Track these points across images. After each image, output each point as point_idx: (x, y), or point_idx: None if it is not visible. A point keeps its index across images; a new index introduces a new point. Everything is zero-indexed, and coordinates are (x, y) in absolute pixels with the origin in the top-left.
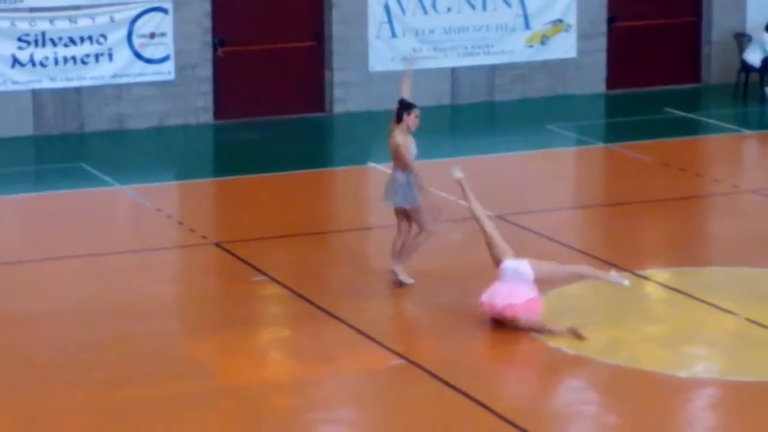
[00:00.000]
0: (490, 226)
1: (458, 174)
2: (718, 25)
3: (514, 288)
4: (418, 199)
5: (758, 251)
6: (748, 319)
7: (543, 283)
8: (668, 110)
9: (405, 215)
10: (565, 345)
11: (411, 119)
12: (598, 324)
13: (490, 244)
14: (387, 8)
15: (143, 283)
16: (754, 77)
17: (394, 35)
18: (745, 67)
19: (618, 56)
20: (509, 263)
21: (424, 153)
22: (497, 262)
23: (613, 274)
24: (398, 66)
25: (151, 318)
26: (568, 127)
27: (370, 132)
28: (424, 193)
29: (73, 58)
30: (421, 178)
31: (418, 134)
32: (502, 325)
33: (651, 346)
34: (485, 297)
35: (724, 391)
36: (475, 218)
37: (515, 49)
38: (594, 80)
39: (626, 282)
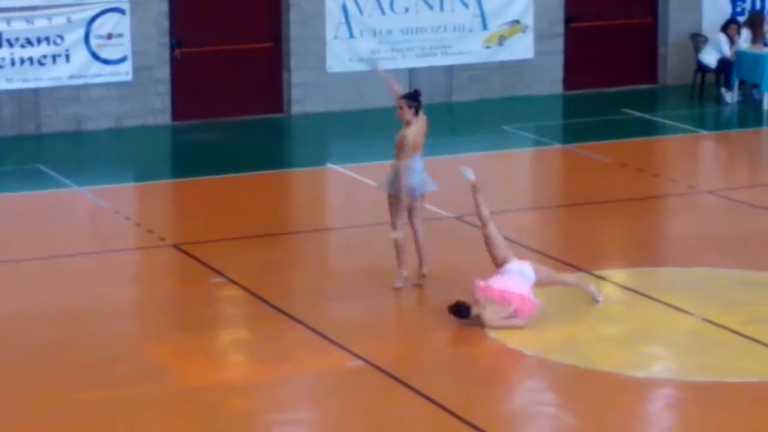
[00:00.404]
0: (494, 229)
1: (470, 176)
2: (674, 26)
3: (515, 282)
4: (412, 191)
5: (715, 251)
6: (704, 319)
7: (538, 286)
8: (625, 111)
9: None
10: (523, 346)
11: (410, 111)
12: (555, 324)
13: (491, 246)
14: (345, 9)
15: (101, 285)
16: (710, 78)
17: (351, 36)
18: (702, 68)
19: (575, 57)
20: (515, 264)
21: (380, 155)
22: (500, 262)
23: (593, 288)
24: (356, 66)
25: (108, 320)
26: (526, 127)
27: (329, 133)
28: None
29: (30, 59)
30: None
31: (373, 134)
32: (461, 326)
33: (608, 347)
34: (481, 281)
35: (682, 391)
36: (479, 219)
37: (473, 50)
38: (551, 81)
39: (600, 299)
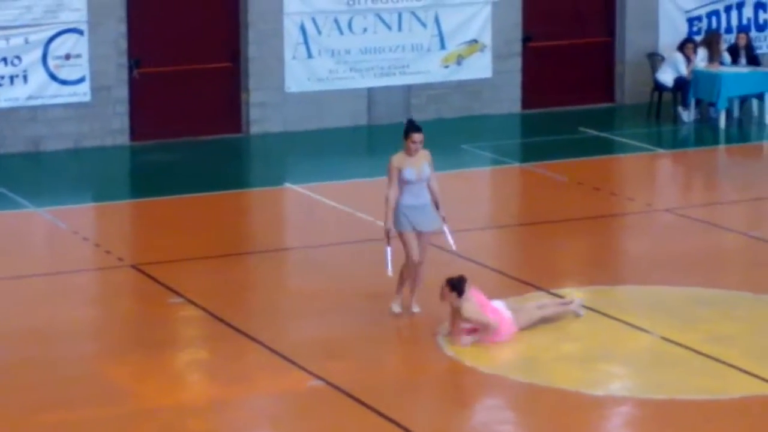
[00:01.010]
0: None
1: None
2: (631, 45)
3: (502, 308)
4: (397, 227)
5: (672, 269)
6: (662, 337)
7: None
8: (583, 130)
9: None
10: (482, 364)
11: (407, 143)
12: (513, 343)
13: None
14: (303, 29)
15: (59, 306)
16: (667, 97)
17: (310, 56)
18: (658, 87)
19: (533, 76)
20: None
21: (339, 174)
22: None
23: (574, 305)
24: (315, 86)
25: (66, 341)
26: (484, 147)
27: (287, 153)
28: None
29: None
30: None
31: (331, 154)
32: (419, 345)
33: (566, 365)
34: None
35: (640, 409)
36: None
37: (431, 70)
38: (509, 100)
39: (582, 312)
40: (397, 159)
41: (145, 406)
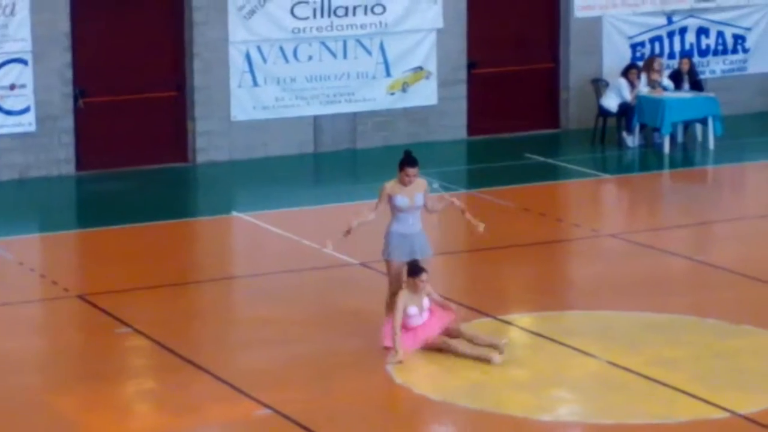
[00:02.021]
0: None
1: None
2: (575, 71)
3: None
4: (386, 255)
5: (618, 294)
6: (609, 362)
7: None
8: (528, 156)
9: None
10: (431, 391)
11: (401, 175)
12: (462, 369)
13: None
14: (248, 57)
15: (5, 337)
16: (612, 122)
17: (255, 84)
18: (603, 113)
19: (478, 103)
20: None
21: (285, 202)
22: None
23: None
24: (261, 115)
25: (12, 373)
26: (431, 173)
27: (233, 181)
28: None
29: None
30: (349, 229)
31: (278, 182)
32: (368, 373)
33: (514, 390)
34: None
35: None
36: None
37: (377, 97)
38: (455, 127)
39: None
40: (390, 186)
41: None
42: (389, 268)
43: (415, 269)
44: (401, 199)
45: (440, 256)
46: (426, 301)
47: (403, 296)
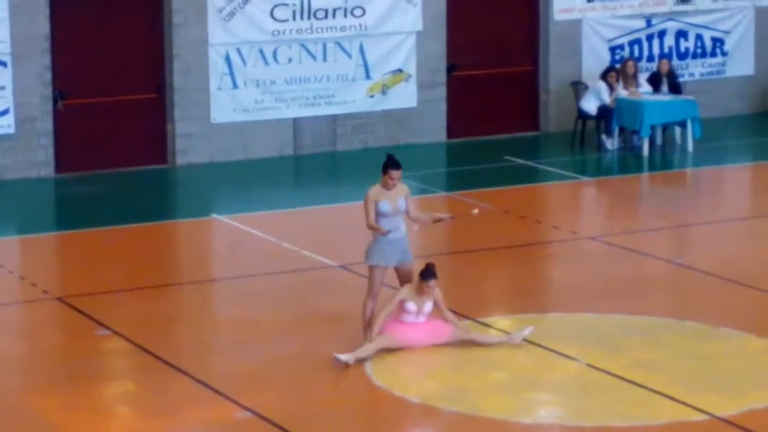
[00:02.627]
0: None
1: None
2: (554, 73)
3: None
4: (369, 260)
5: (597, 297)
6: (588, 365)
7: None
8: (508, 158)
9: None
10: (411, 394)
11: (385, 178)
12: (441, 372)
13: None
14: (228, 59)
15: None
16: (591, 125)
17: (235, 86)
18: (582, 115)
19: (458, 105)
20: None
21: (265, 205)
22: None
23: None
24: (241, 117)
25: None
26: (410, 176)
27: (213, 183)
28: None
29: None
30: (381, 230)
31: (258, 185)
32: (348, 376)
33: (494, 393)
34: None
35: None
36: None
37: (356, 99)
38: (435, 129)
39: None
40: (374, 192)
41: None
42: (372, 274)
43: (426, 273)
44: (385, 205)
45: (419, 258)
46: (428, 306)
47: (405, 290)
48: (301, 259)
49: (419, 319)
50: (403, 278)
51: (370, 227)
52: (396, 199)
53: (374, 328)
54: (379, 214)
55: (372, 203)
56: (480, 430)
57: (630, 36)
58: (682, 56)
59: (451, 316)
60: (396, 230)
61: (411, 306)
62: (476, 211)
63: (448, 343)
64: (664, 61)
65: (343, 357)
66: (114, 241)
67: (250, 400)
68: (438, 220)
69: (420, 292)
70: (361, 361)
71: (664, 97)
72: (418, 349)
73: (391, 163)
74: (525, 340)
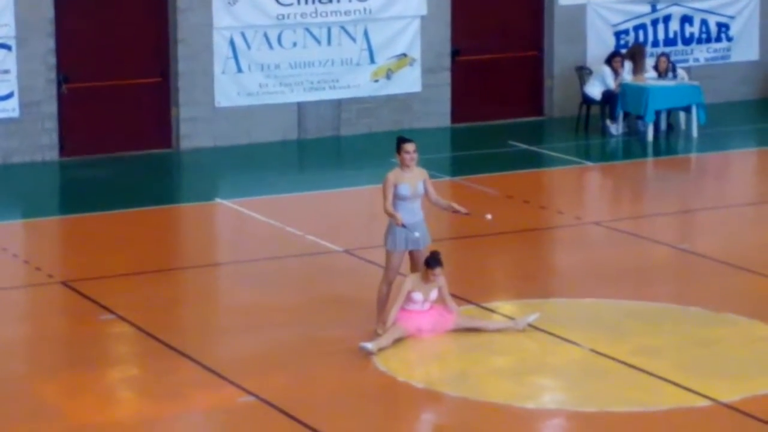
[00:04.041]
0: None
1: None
2: (559, 58)
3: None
4: (389, 245)
5: (601, 282)
6: (592, 350)
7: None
8: (512, 143)
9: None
10: (414, 379)
11: (401, 156)
12: (445, 357)
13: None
14: (232, 43)
15: None
16: (596, 110)
17: (240, 70)
18: (587, 100)
19: (462, 90)
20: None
21: (269, 189)
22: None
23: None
24: (245, 101)
25: None
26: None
27: (217, 167)
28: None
29: None
30: (397, 219)
31: (262, 169)
32: (352, 360)
33: (498, 378)
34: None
35: (571, 421)
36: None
37: (361, 84)
38: (439, 114)
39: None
40: (394, 175)
41: (76, 424)
42: (390, 258)
43: (432, 261)
44: (405, 188)
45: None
46: (434, 293)
47: (412, 279)
48: (306, 244)
49: (425, 307)
50: (417, 262)
51: (387, 212)
52: (416, 182)
53: (387, 321)
54: (398, 197)
55: (391, 186)
56: (484, 414)
57: (635, 21)
58: (687, 41)
59: (453, 304)
60: (415, 214)
61: (418, 296)
62: (489, 216)
63: (452, 330)
64: (662, 58)
65: (369, 345)
66: (118, 226)
67: (255, 385)
68: (455, 211)
69: (426, 279)
70: (381, 350)
71: (669, 82)
72: (422, 336)
73: (403, 138)
74: (530, 325)
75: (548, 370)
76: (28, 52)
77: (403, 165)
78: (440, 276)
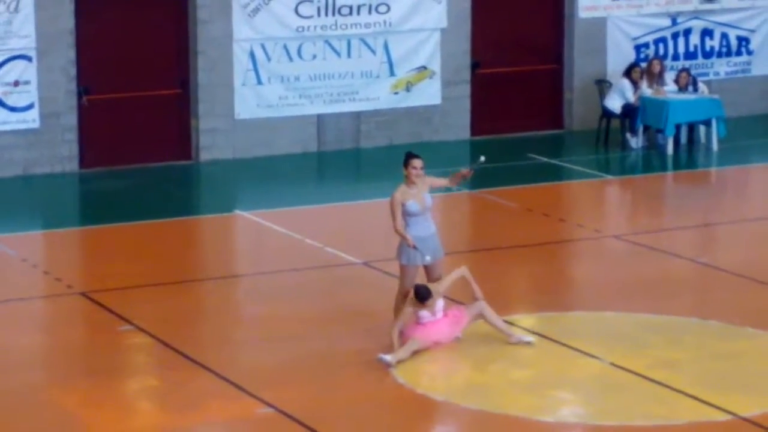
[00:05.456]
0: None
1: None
2: (579, 71)
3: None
4: (402, 260)
5: (621, 295)
6: (612, 364)
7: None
8: (532, 156)
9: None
10: (433, 391)
11: (407, 171)
12: (463, 369)
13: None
14: (252, 55)
15: (8, 333)
16: (615, 123)
17: (260, 82)
18: (606, 114)
19: (482, 103)
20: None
21: (288, 201)
22: None
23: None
24: (265, 113)
25: (16, 370)
26: (434, 173)
27: (237, 179)
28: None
29: None
30: (409, 242)
31: (281, 181)
32: (370, 372)
33: (517, 391)
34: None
35: None
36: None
37: (380, 96)
38: (458, 127)
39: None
40: (400, 193)
41: None
42: (404, 273)
43: (422, 296)
44: (413, 205)
45: (446, 255)
46: (440, 303)
47: (410, 308)
48: (325, 256)
49: (438, 316)
50: (432, 275)
51: (398, 232)
52: (422, 195)
53: (394, 341)
54: (408, 214)
55: (398, 205)
56: (503, 428)
57: (655, 34)
58: (707, 55)
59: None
60: (427, 227)
61: (424, 313)
62: (483, 159)
63: (468, 324)
64: (683, 74)
65: (387, 357)
66: (138, 237)
67: (273, 396)
68: (458, 177)
69: (408, 182)
70: (400, 362)
71: (689, 96)
72: (441, 346)
73: (411, 153)
74: (548, 338)
75: (567, 384)
76: (48, 63)
77: (408, 181)
78: (439, 300)
